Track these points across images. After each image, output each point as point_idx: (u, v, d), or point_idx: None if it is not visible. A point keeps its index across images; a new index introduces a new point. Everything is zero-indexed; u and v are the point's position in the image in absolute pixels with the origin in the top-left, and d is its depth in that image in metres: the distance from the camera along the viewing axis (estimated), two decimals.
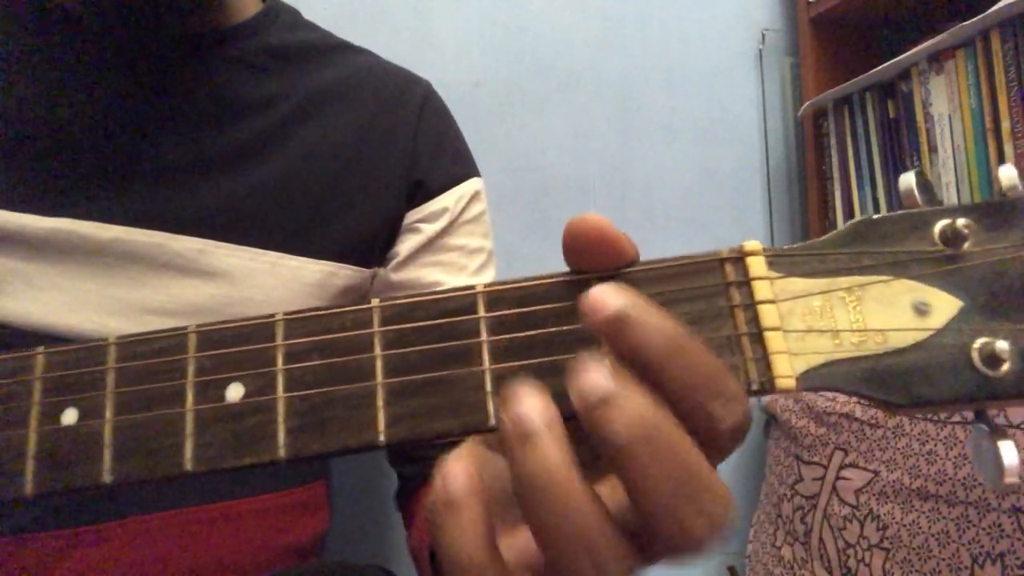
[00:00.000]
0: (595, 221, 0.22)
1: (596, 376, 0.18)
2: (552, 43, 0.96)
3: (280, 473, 0.50)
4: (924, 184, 0.23)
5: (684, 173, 1.02)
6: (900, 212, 0.23)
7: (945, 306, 0.22)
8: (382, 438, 0.21)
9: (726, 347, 0.22)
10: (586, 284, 0.22)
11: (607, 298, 0.19)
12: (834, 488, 0.76)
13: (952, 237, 0.22)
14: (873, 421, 0.74)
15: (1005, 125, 0.79)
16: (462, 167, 0.58)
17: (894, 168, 0.93)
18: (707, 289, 0.22)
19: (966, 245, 0.22)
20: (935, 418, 0.69)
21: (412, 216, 0.55)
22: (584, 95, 0.98)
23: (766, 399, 0.93)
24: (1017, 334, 0.21)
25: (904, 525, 0.67)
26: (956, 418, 0.67)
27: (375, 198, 0.52)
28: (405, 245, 0.54)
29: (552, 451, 0.18)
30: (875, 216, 0.23)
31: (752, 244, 0.23)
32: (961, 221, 0.22)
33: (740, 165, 1.06)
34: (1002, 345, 0.21)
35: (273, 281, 0.46)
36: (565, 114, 0.96)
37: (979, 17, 0.79)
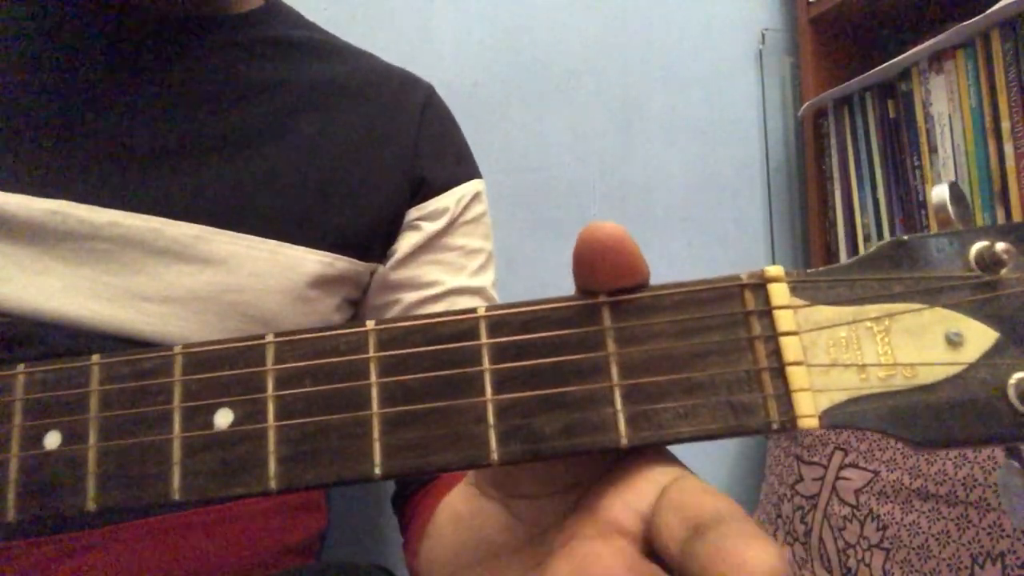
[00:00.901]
0: (613, 229, 0.20)
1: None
2: (552, 43, 0.96)
3: None
4: (958, 196, 0.22)
5: (684, 173, 1.02)
6: (933, 234, 0.21)
7: (980, 337, 0.20)
8: (378, 470, 0.20)
9: (744, 382, 0.20)
10: (595, 308, 0.21)
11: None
12: (834, 488, 0.76)
13: (990, 262, 0.21)
14: None
15: (1005, 125, 0.79)
16: (463, 168, 0.58)
17: (894, 168, 0.93)
18: (725, 318, 0.21)
19: (1004, 271, 0.21)
20: None
21: (413, 213, 0.55)
22: (584, 95, 0.98)
23: None
24: None
25: (904, 525, 0.67)
26: None
27: (376, 192, 0.52)
28: (405, 243, 0.54)
29: None
30: (906, 237, 0.21)
31: (774, 270, 0.21)
32: (1000, 245, 0.20)
33: (740, 165, 1.06)
34: None
35: (271, 269, 0.46)
36: (565, 114, 0.96)
37: (979, 17, 0.79)
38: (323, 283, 0.49)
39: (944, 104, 0.86)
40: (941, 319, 0.20)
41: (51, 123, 0.43)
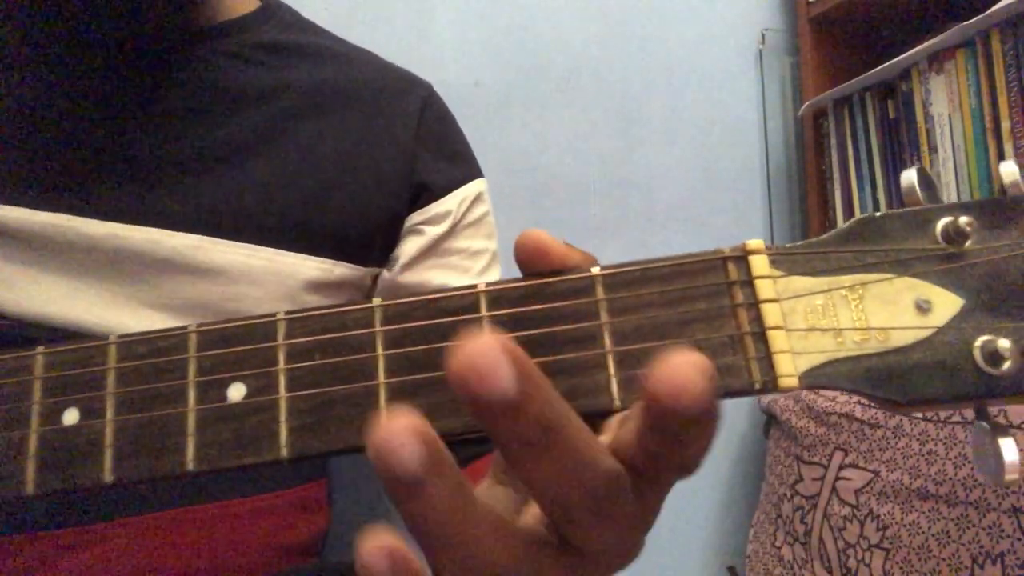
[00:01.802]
0: (533, 236, 0.22)
1: (489, 365, 0.16)
2: (552, 43, 0.96)
3: (280, 473, 0.50)
4: (926, 180, 0.24)
5: (684, 173, 1.02)
6: (902, 210, 0.23)
7: (947, 304, 0.22)
8: None
9: (728, 346, 0.22)
10: (588, 282, 0.22)
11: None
12: (834, 488, 0.76)
13: (954, 235, 0.22)
14: (873, 421, 0.74)
15: (1005, 125, 0.79)
16: (464, 169, 0.58)
17: (894, 168, 0.93)
18: (709, 288, 0.22)
19: (968, 243, 0.22)
20: (935, 418, 0.69)
21: (415, 218, 0.55)
22: (584, 95, 0.97)
23: (766, 399, 0.93)
24: (1018, 332, 0.21)
25: (904, 525, 0.67)
26: (956, 418, 0.67)
27: (374, 197, 0.52)
28: (407, 247, 0.54)
29: (443, 499, 0.16)
30: (877, 214, 0.23)
31: (755, 243, 0.23)
32: (963, 219, 0.22)
33: (740, 165, 1.06)
34: (1004, 343, 0.21)
35: (269, 277, 0.46)
36: (565, 114, 0.96)
37: (979, 17, 0.79)
38: (322, 289, 0.49)
39: (944, 104, 0.86)
40: (910, 287, 0.22)
41: (49, 136, 0.43)
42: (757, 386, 0.21)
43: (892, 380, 0.21)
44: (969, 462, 0.63)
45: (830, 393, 0.83)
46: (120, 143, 0.45)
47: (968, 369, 0.21)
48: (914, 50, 0.87)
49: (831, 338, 0.22)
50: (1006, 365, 0.21)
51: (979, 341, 0.21)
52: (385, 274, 0.54)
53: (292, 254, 0.48)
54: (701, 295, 0.22)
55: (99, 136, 0.44)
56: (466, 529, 0.17)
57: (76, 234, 0.42)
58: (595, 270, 0.23)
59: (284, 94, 0.50)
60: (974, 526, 0.61)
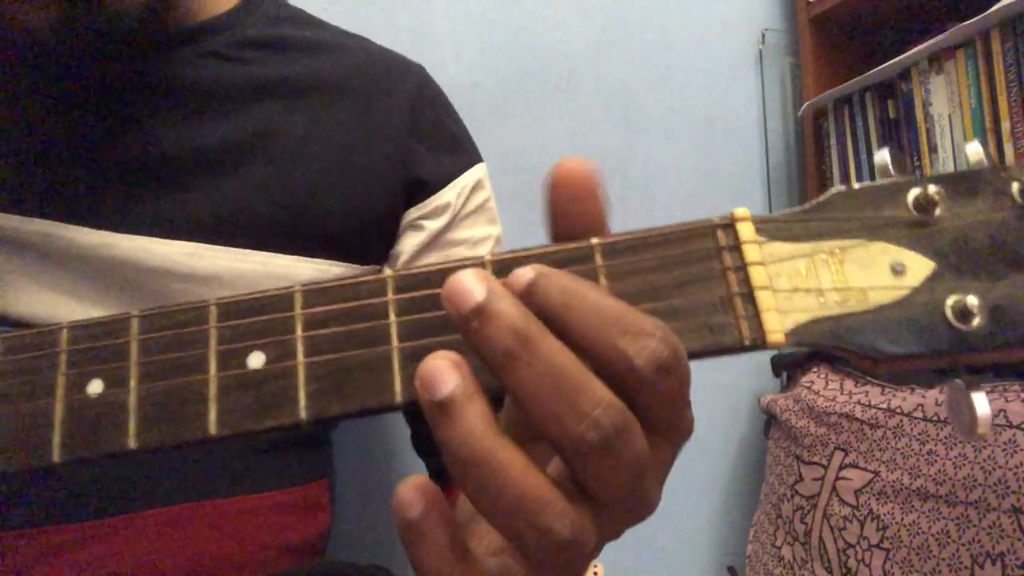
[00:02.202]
0: (581, 166, 0.24)
1: (467, 285, 0.20)
2: (552, 43, 0.96)
3: (282, 471, 0.50)
4: (898, 160, 0.26)
5: (684, 173, 1.02)
6: (877, 182, 0.25)
7: (919, 267, 0.23)
8: (399, 399, 0.22)
9: (719, 306, 0.23)
10: (587, 250, 0.24)
11: (522, 273, 0.21)
12: (834, 488, 0.76)
13: (925, 204, 0.24)
14: (873, 421, 0.75)
15: (1005, 125, 0.79)
16: (461, 157, 0.57)
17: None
18: (701, 253, 0.24)
19: (937, 211, 0.24)
20: (935, 418, 0.69)
21: (413, 213, 0.54)
22: (584, 95, 0.98)
23: (766, 400, 0.93)
24: (985, 291, 0.23)
25: (904, 525, 0.67)
26: None
27: (368, 194, 0.52)
28: (408, 243, 0.53)
29: (471, 418, 0.19)
30: (855, 186, 0.25)
31: (741, 211, 0.24)
32: (932, 188, 0.24)
33: (740, 165, 1.06)
34: (972, 300, 0.23)
35: (263, 281, 0.46)
36: (565, 114, 0.96)
37: (979, 17, 0.79)
38: None
39: (944, 104, 0.86)
40: (885, 251, 0.24)
41: (38, 144, 0.43)
42: (747, 342, 0.23)
43: (871, 337, 0.23)
44: (969, 462, 0.63)
45: (830, 393, 0.83)
46: (108, 150, 0.44)
47: (940, 326, 0.23)
48: (914, 50, 0.87)
49: (814, 298, 0.23)
50: (975, 321, 0.22)
51: (950, 300, 0.23)
52: (387, 271, 0.54)
53: (286, 257, 0.47)
54: (693, 260, 0.24)
55: (87, 143, 0.44)
56: (494, 452, 0.19)
57: (67, 243, 0.42)
58: (594, 240, 0.24)
59: (271, 92, 0.49)
60: (974, 526, 0.61)
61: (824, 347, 0.23)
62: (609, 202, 0.25)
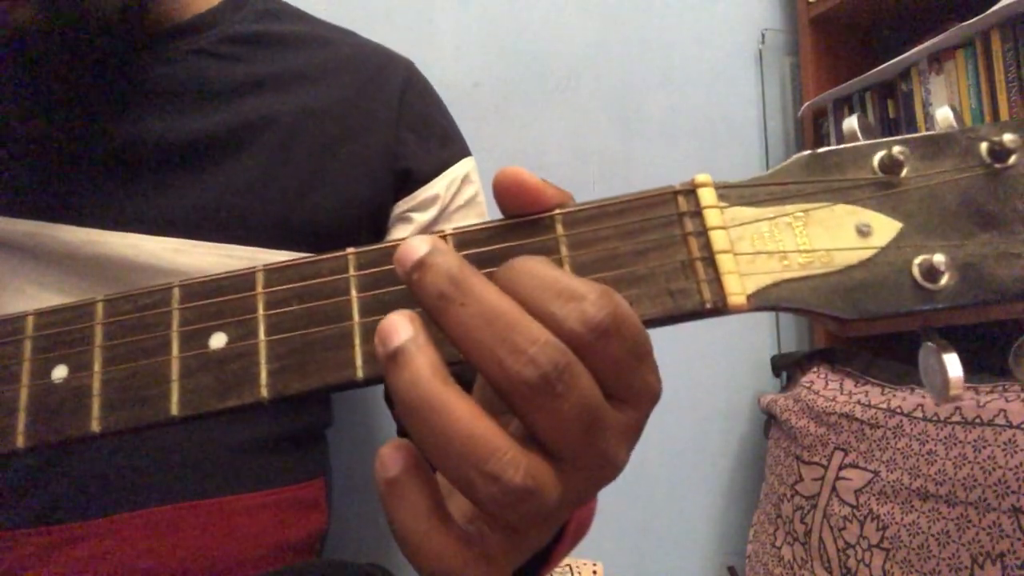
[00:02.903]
0: (511, 172, 0.23)
1: (413, 244, 0.20)
2: (552, 43, 0.96)
3: (278, 470, 0.50)
4: (866, 127, 0.25)
5: (684, 173, 1.01)
6: (841, 146, 0.25)
7: (886, 228, 0.23)
8: (360, 374, 0.22)
9: (680, 271, 0.23)
10: (549, 220, 0.24)
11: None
12: (834, 488, 0.76)
13: (890, 165, 0.24)
14: (873, 421, 0.74)
15: None
16: (449, 150, 0.57)
17: None
18: (661, 220, 0.24)
19: (904, 172, 0.24)
20: (935, 418, 0.69)
21: (402, 206, 0.54)
22: (584, 95, 0.98)
23: (766, 400, 0.93)
24: (953, 250, 0.23)
25: (904, 525, 0.67)
26: (956, 418, 0.67)
27: (357, 187, 0.51)
28: (397, 236, 0.53)
29: (419, 364, 0.19)
30: (819, 150, 0.25)
31: (703, 177, 0.24)
32: (897, 148, 0.24)
33: (740, 165, 1.06)
34: (939, 258, 0.22)
35: None
36: (565, 114, 0.96)
37: (979, 17, 0.79)
38: None
39: (944, 104, 0.86)
40: (851, 213, 0.23)
41: (23, 143, 0.43)
42: (708, 305, 0.22)
43: (837, 298, 0.22)
44: (969, 462, 0.63)
45: (830, 393, 0.83)
46: (94, 147, 0.44)
47: (907, 285, 0.22)
48: (914, 50, 0.87)
49: (777, 261, 0.23)
50: (943, 280, 0.22)
51: (918, 259, 0.23)
52: (349, 248, 0.53)
53: (273, 251, 0.47)
54: (654, 226, 0.24)
55: (73, 141, 0.44)
56: (440, 395, 0.19)
57: (54, 241, 0.42)
58: (556, 210, 0.24)
59: (258, 87, 0.49)
60: (974, 526, 0.61)
61: (788, 310, 0.23)
62: (566, 192, 0.24)
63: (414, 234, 0.52)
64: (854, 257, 0.23)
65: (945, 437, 0.67)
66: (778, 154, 1.09)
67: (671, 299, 0.23)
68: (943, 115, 0.25)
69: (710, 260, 0.23)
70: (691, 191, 0.24)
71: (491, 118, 0.92)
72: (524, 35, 0.95)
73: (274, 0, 0.55)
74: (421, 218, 0.54)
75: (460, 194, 0.56)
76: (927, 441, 0.68)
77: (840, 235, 0.23)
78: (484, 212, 0.58)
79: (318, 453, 0.56)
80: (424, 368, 0.19)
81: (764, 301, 0.22)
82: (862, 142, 0.25)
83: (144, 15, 0.46)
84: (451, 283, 0.20)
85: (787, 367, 0.96)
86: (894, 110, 0.93)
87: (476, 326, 0.19)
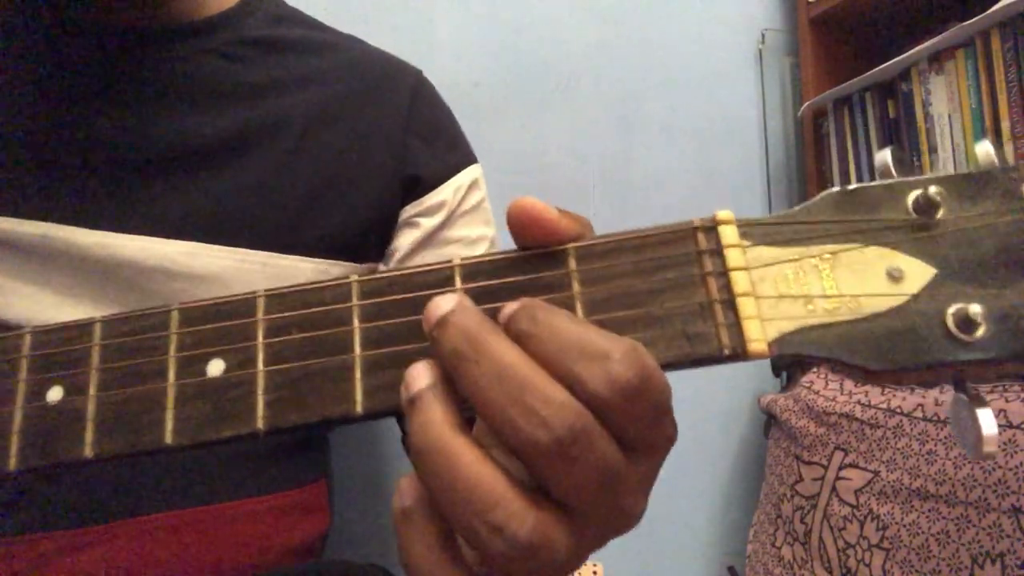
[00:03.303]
0: (526, 204, 0.23)
1: (439, 302, 0.21)
2: (552, 43, 0.96)
3: (279, 474, 0.50)
4: (900, 159, 0.24)
5: (684, 173, 1.02)
6: (873, 183, 0.23)
7: (919, 273, 0.22)
8: (359, 409, 0.22)
9: (698, 314, 0.22)
10: (561, 254, 0.23)
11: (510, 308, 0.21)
12: (834, 488, 0.76)
13: (925, 206, 0.22)
14: (873, 421, 0.74)
15: (1005, 125, 0.79)
16: (457, 156, 0.57)
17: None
18: (680, 258, 0.23)
19: (939, 214, 0.22)
20: (935, 418, 0.69)
21: (409, 211, 0.54)
22: (584, 95, 0.97)
23: (766, 400, 0.93)
24: (990, 299, 0.21)
25: (904, 525, 0.67)
26: None
27: (366, 192, 0.52)
28: (404, 240, 0.53)
29: (433, 411, 0.20)
30: (849, 187, 0.23)
31: (724, 213, 0.23)
32: (933, 189, 0.22)
33: (740, 165, 1.06)
34: (976, 309, 0.21)
35: (263, 281, 0.45)
36: (565, 114, 0.96)
37: (979, 17, 0.79)
38: None
39: (944, 104, 0.86)
40: (882, 256, 0.22)
41: (34, 145, 0.43)
42: (726, 352, 0.21)
43: (864, 347, 0.21)
44: (969, 462, 0.63)
45: (830, 393, 0.83)
46: (106, 148, 0.44)
47: (941, 336, 0.21)
48: (914, 50, 0.87)
49: (802, 305, 0.22)
50: (979, 332, 0.21)
51: (952, 308, 0.21)
52: (381, 268, 0.54)
53: (286, 256, 0.47)
54: (671, 264, 0.22)
55: (85, 142, 0.44)
56: (448, 441, 0.19)
57: (66, 244, 0.42)
58: (570, 244, 0.23)
59: (269, 91, 0.49)
60: (974, 526, 0.61)
61: (812, 358, 0.21)
62: (584, 221, 0.24)
63: (420, 240, 0.54)
64: (884, 304, 0.21)
65: (945, 437, 0.67)
66: (778, 154, 1.09)
67: (688, 343, 0.21)
68: (983, 150, 0.23)
69: (730, 303, 0.22)
70: (712, 228, 0.23)
71: (491, 118, 0.92)
72: (524, 35, 0.95)
73: (285, 6, 0.56)
74: (428, 223, 0.54)
75: (467, 200, 0.56)
76: (927, 441, 0.68)
77: (870, 280, 0.22)
78: (490, 218, 0.59)
79: (319, 456, 0.56)
80: (436, 414, 0.20)
81: (786, 348, 0.21)
82: (896, 179, 0.23)
83: (158, 10, 0.46)
84: (466, 340, 0.20)
85: (787, 367, 0.96)
86: (894, 110, 0.93)
87: (488, 385, 0.19)
